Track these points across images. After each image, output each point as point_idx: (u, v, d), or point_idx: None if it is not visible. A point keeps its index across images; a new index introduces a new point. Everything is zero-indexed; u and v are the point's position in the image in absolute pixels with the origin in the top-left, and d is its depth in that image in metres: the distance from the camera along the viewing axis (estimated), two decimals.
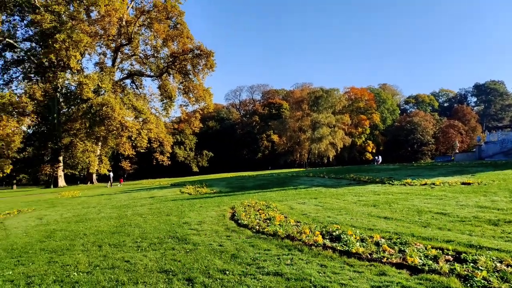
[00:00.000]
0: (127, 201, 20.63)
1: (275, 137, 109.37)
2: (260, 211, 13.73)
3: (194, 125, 63.91)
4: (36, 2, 53.69)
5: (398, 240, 8.71)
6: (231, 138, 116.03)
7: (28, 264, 8.78)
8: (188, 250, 9.00)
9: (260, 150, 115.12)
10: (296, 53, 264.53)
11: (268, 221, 11.78)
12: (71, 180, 75.76)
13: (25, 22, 57.62)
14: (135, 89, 64.57)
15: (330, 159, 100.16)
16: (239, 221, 11.96)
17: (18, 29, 57.96)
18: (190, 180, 39.71)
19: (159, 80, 60.90)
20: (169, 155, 61.27)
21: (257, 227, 10.90)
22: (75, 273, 7.85)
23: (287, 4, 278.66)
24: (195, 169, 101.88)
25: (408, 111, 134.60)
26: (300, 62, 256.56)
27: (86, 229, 12.50)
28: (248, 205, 15.08)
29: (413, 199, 14.88)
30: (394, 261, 7.31)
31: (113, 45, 58.63)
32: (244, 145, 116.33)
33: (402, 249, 8.04)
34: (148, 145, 55.23)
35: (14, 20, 57.80)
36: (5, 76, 57.98)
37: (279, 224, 11.02)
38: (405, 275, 6.64)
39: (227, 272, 7.29)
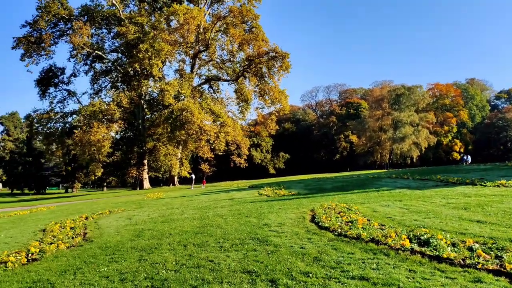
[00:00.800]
0: (207, 202, 21.18)
1: (353, 138, 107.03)
2: (341, 213, 13.40)
3: (270, 127, 64.27)
4: (121, 15, 57.39)
5: (494, 245, 8.05)
6: (308, 139, 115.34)
7: (120, 261, 9.25)
8: (269, 252, 8.97)
9: (338, 151, 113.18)
10: (374, 51, 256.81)
11: (350, 224, 11.44)
12: (154, 182, 79.85)
13: (111, 34, 62.02)
14: (213, 94, 66.51)
15: (414, 160, 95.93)
16: (320, 224, 11.73)
17: (106, 41, 62.59)
18: (267, 182, 39.93)
19: (235, 84, 62.13)
20: (246, 158, 62.20)
21: (339, 230, 10.62)
22: (163, 271, 8.15)
23: (362, 1, 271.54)
24: (272, 171, 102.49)
25: (500, 107, 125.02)
26: (378, 59, 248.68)
27: (171, 229, 12.96)
28: (328, 207, 14.77)
29: (509, 202, 13.64)
30: (491, 268, 6.78)
31: (191, 52, 60.85)
32: (321, 146, 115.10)
33: (499, 255, 7.45)
34: (226, 148, 56.50)
35: (102, 33, 62.49)
36: (95, 85, 62.83)
37: (362, 227, 10.66)
38: (504, 283, 6.15)
39: (310, 275, 7.18)
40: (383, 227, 10.80)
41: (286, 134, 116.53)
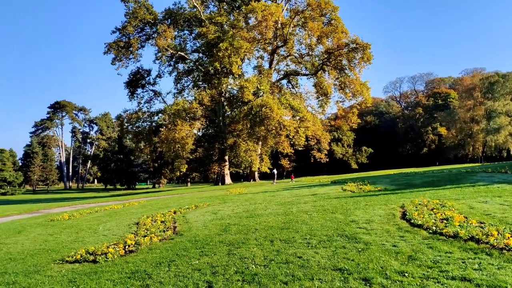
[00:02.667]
0: (290, 198, 21.04)
1: (442, 130, 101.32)
2: (434, 210, 12.58)
3: (352, 121, 62.62)
4: (202, 16, 59.21)
5: None
6: (392, 132, 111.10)
7: (210, 255, 9.42)
8: (360, 249, 8.69)
9: (425, 144, 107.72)
10: (464, 37, 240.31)
11: (445, 221, 10.74)
12: (235, 177, 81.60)
13: (193, 35, 64.29)
14: (291, 89, 66.29)
15: (511, 153, 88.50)
16: (412, 221, 11.11)
17: (188, 42, 65.02)
18: (350, 177, 38.93)
19: (314, 77, 61.35)
20: (326, 152, 61.26)
21: (434, 227, 10.01)
22: (253, 266, 8.18)
23: None
24: (354, 166, 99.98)
25: None
26: (468, 46, 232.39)
27: (256, 224, 12.99)
28: (420, 204, 13.95)
29: None
30: None
31: (269, 48, 61.14)
32: (406, 139, 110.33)
33: None
34: (306, 143, 56.00)
35: (184, 34, 65.00)
36: (178, 85, 65.55)
37: (459, 225, 9.95)
38: None
39: (405, 274, 6.89)
40: (482, 224, 10.08)
41: (368, 128, 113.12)
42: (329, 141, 63.85)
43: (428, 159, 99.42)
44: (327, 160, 61.48)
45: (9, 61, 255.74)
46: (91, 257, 9.98)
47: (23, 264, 10.01)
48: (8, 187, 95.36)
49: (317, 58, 61.77)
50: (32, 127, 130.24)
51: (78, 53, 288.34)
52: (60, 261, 10.12)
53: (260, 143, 61.56)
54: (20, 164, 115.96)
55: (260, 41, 56.51)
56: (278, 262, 8.23)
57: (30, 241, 13.73)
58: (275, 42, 60.14)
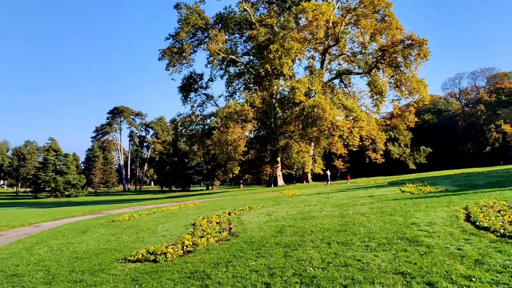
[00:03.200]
0: (345, 200, 20.61)
1: (506, 127, 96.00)
2: (501, 212, 11.88)
3: (409, 120, 60.44)
4: (252, 18, 59.63)
5: None
6: (451, 131, 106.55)
7: (267, 256, 9.36)
8: (422, 253, 8.34)
9: (488, 143, 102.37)
10: None
11: None
12: (287, 179, 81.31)
13: (243, 38, 64.97)
14: (344, 88, 65.08)
15: None
16: (477, 223, 10.57)
17: (238, 45, 65.79)
18: (408, 178, 37.64)
19: (368, 76, 59.88)
20: (382, 153, 59.67)
21: (502, 230, 9.46)
22: (310, 268, 8.04)
23: None
24: (412, 166, 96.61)
25: None
26: None
27: (312, 226, 12.79)
28: (485, 205, 13.19)
29: None
30: None
31: (320, 47, 60.40)
32: (467, 138, 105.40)
33: None
34: (360, 143, 54.73)
35: (235, 37, 65.84)
36: (229, 88, 66.49)
37: None
38: None
39: (473, 279, 6.57)
40: None
41: (426, 126, 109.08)
42: (385, 141, 61.97)
43: (491, 159, 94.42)
44: (383, 160, 59.77)
45: (77, 69, 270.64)
46: (152, 257, 10.24)
47: (89, 263, 10.41)
48: (72, 190, 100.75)
49: (370, 56, 60.28)
50: (93, 132, 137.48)
51: (135, 59, 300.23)
52: (122, 260, 10.46)
53: (312, 144, 60.93)
54: (83, 167, 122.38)
55: (311, 41, 55.94)
56: (337, 265, 8.06)
57: (94, 240, 14.32)
58: (326, 42, 59.32)
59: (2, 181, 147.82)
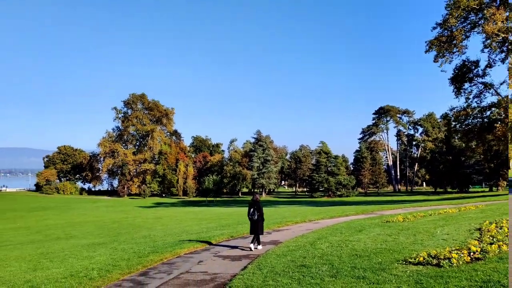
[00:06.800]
0: None
1: None
2: None
3: None
4: None
5: None
6: None
7: None
8: None
9: None
10: None
11: None
12: None
13: None
14: None
15: None
16: None
17: None
18: None
19: None
20: None
21: None
22: None
23: None
24: None
25: None
26: None
27: None
28: None
29: None
30: None
31: None
32: None
33: None
34: None
35: None
36: None
37: None
38: None
39: None
40: None
41: None
42: None
43: None
44: None
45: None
46: (434, 261, 9.47)
47: (368, 261, 10.33)
48: (343, 190, 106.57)
49: None
50: (360, 134, 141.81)
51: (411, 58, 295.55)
52: (402, 261, 10.05)
53: None
54: (352, 168, 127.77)
55: None
56: None
57: (370, 240, 14.20)
58: None
59: (283, 181, 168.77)
